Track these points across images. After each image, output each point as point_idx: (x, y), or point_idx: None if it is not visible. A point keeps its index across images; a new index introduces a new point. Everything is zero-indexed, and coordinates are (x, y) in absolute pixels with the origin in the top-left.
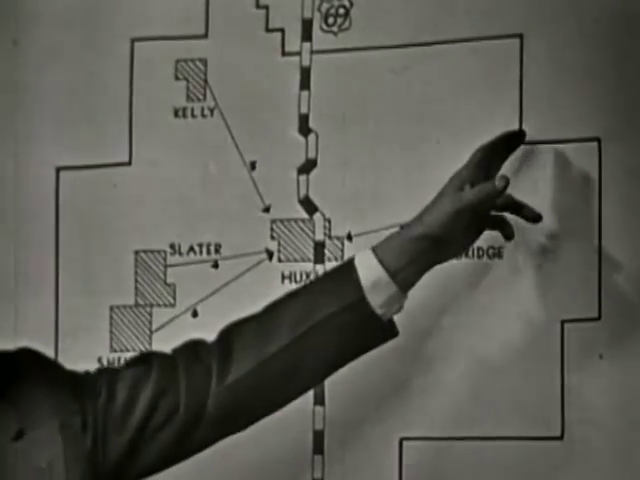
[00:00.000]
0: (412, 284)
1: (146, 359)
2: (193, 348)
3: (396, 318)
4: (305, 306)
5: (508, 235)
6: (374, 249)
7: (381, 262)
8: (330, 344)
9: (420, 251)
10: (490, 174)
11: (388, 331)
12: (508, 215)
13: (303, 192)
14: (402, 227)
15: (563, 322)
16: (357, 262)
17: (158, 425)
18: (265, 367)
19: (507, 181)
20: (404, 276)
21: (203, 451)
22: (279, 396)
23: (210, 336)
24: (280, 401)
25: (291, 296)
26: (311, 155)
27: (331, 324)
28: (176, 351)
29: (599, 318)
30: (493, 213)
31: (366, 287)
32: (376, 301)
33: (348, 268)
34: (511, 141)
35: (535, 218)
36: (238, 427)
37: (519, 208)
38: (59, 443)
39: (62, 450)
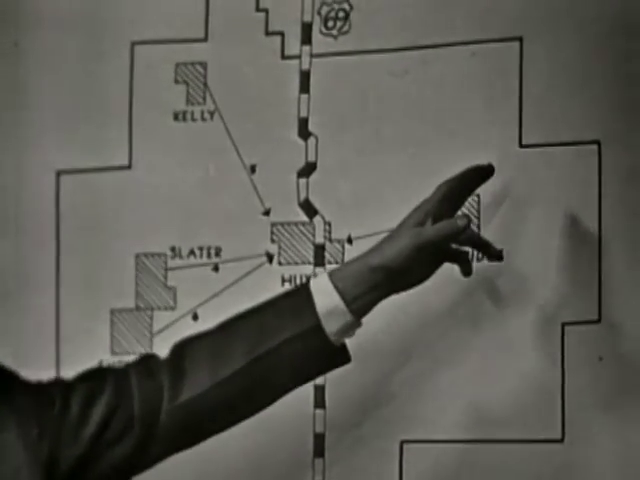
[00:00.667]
0: (367, 312)
1: (99, 374)
2: (146, 364)
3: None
4: (260, 330)
5: (466, 272)
6: (330, 275)
7: (337, 289)
8: (284, 369)
9: (377, 282)
10: (455, 208)
11: (341, 358)
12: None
13: (303, 195)
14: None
15: (563, 324)
16: (313, 288)
17: (112, 439)
18: (218, 389)
19: (469, 220)
20: (360, 305)
21: (158, 464)
22: (232, 416)
23: None
24: (232, 420)
25: (245, 317)
26: (311, 158)
27: (286, 350)
28: (129, 366)
29: (599, 321)
30: (454, 247)
31: (322, 314)
32: (331, 328)
33: (304, 293)
34: (479, 175)
35: (497, 256)
36: (191, 443)
37: (482, 245)
38: (20, 451)
39: (24, 458)
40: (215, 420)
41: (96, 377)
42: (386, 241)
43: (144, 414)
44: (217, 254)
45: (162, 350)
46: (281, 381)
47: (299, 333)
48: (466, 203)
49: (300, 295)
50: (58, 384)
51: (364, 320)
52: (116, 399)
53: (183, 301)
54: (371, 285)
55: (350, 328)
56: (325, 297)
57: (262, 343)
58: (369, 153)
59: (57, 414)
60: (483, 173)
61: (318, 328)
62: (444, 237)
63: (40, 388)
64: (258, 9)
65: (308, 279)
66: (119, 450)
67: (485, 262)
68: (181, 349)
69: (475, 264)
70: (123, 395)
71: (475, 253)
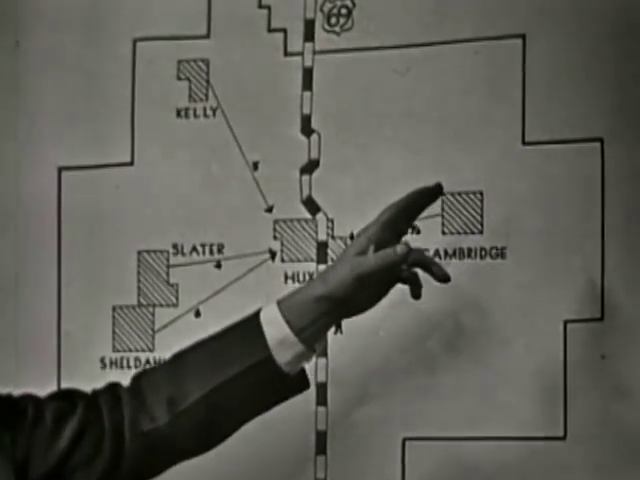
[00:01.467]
0: (318, 340)
1: (69, 396)
2: (113, 392)
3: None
4: (213, 362)
5: (415, 295)
6: (279, 304)
7: (286, 320)
8: (239, 401)
9: (323, 311)
10: (401, 232)
11: (297, 385)
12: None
13: (306, 192)
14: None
15: (566, 322)
16: (263, 318)
17: (82, 460)
18: (177, 421)
19: (408, 248)
20: (309, 334)
21: None
22: (192, 446)
23: None
24: (194, 450)
25: (198, 349)
26: (314, 155)
27: (239, 382)
28: (98, 392)
29: (602, 318)
30: (404, 268)
31: (272, 346)
32: (283, 359)
33: (254, 324)
34: (425, 197)
35: (443, 278)
36: (154, 472)
37: (429, 266)
38: None
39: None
40: (176, 450)
41: (68, 397)
42: (330, 270)
43: (113, 438)
44: (219, 251)
45: (164, 347)
46: (237, 413)
47: (251, 365)
48: (469, 201)
49: (251, 326)
50: (30, 397)
51: (366, 318)
52: (88, 419)
53: (185, 298)
54: (317, 315)
55: (303, 357)
56: (274, 328)
57: (215, 376)
58: (372, 150)
59: (30, 424)
60: (430, 195)
61: (269, 359)
62: (384, 266)
63: (11, 398)
64: (260, 6)
65: (259, 309)
66: (88, 472)
67: (486, 260)
68: (140, 381)
69: (478, 261)
70: (94, 417)
71: (477, 250)
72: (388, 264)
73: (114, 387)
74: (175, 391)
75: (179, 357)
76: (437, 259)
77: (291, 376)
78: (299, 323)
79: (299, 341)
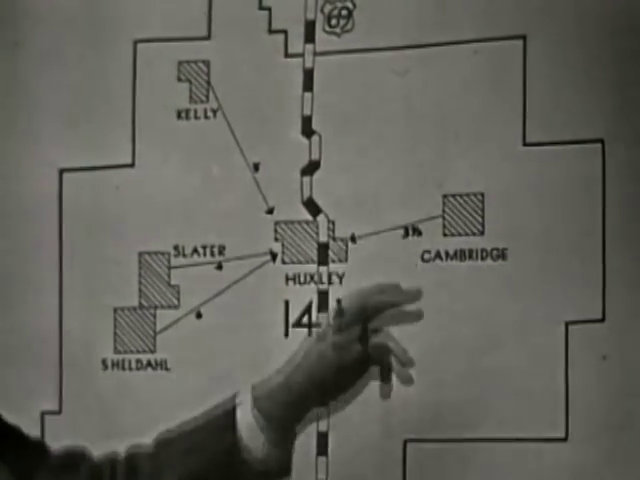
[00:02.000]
0: (293, 428)
1: (75, 454)
2: (112, 463)
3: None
4: (187, 448)
5: (383, 378)
6: (253, 389)
7: (257, 406)
8: None
9: (288, 400)
10: (367, 319)
11: (274, 472)
12: None
13: (307, 194)
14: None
15: (567, 323)
16: (237, 403)
17: None
18: None
19: (365, 347)
20: (282, 424)
21: None
22: None
23: (213, 338)
24: None
25: (178, 433)
26: (314, 157)
27: (212, 468)
28: (100, 460)
29: (603, 320)
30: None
31: (243, 431)
32: (254, 444)
33: (229, 408)
34: (400, 298)
35: (405, 363)
36: None
37: (394, 351)
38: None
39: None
40: None
41: (72, 457)
42: (291, 360)
43: None
44: (220, 252)
45: (165, 349)
46: None
47: (219, 451)
48: (470, 202)
49: (226, 411)
50: (36, 441)
51: None
52: (92, 477)
53: (186, 299)
54: (283, 403)
55: (277, 444)
56: (245, 414)
57: (190, 461)
58: (372, 151)
59: (34, 466)
60: (406, 298)
61: (239, 445)
62: (345, 361)
63: (22, 434)
64: (261, 7)
65: (237, 393)
66: None
67: (487, 262)
68: (132, 461)
69: (479, 262)
70: (98, 478)
71: (478, 251)
72: (349, 359)
73: (113, 460)
74: (156, 472)
75: (162, 441)
76: (438, 260)
77: (267, 463)
78: (269, 411)
79: (271, 428)
